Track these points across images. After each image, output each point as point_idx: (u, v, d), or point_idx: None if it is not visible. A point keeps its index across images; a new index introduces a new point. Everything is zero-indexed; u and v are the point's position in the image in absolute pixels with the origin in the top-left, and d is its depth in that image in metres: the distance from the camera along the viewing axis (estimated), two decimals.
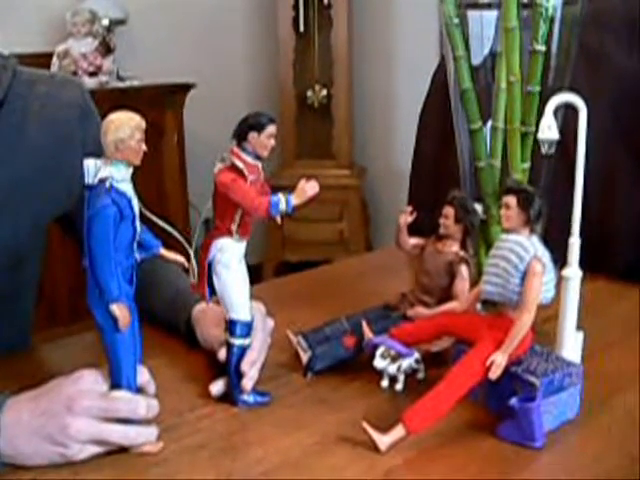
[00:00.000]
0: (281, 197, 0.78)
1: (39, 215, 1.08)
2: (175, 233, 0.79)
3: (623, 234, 1.34)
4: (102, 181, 0.73)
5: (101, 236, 0.72)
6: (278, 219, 0.80)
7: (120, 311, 0.75)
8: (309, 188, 0.78)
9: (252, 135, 0.80)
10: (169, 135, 3.01)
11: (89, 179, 0.73)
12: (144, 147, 0.74)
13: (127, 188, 0.74)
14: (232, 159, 0.80)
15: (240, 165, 0.80)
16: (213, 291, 0.85)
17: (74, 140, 1.09)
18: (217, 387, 0.88)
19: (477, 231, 0.98)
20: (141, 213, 0.76)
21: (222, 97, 3.47)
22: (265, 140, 0.80)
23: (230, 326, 0.86)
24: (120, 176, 0.73)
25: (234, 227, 0.83)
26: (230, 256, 0.84)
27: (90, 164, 0.73)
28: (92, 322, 0.78)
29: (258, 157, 0.81)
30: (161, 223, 0.78)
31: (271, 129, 0.80)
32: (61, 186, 1.08)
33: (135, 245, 0.77)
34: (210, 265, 0.84)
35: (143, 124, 0.74)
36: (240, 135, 0.80)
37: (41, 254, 1.17)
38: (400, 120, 3.55)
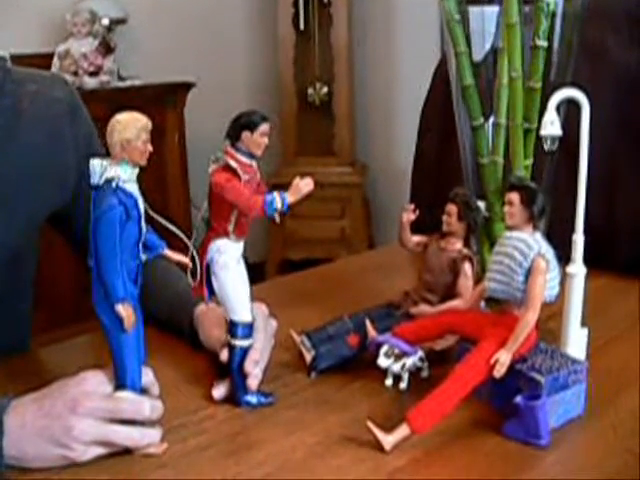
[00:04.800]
0: (276, 195, 0.77)
1: (33, 213, 1.07)
2: (181, 234, 0.79)
3: (626, 228, 1.33)
4: (108, 181, 0.73)
5: (108, 236, 0.73)
6: (276, 218, 0.80)
7: (125, 311, 0.75)
8: (304, 185, 0.77)
9: (245, 134, 0.79)
10: (170, 134, 3.00)
11: (95, 179, 0.73)
12: (150, 148, 0.74)
13: (133, 188, 0.75)
14: (226, 159, 0.80)
15: (234, 165, 0.79)
16: (212, 292, 0.85)
17: (64, 137, 1.09)
18: (219, 391, 0.88)
19: (480, 228, 0.98)
20: (145, 212, 0.76)
21: (223, 95, 3.47)
22: (259, 139, 0.79)
23: (231, 327, 0.86)
24: (126, 176, 0.74)
25: (230, 227, 0.82)
26: (228, 257, 0.83)
27: (96, 164, 0.73)
28: (94, 323, 0.78)
29: (252, 156, 0.80)
30: (167, 224, 0.78)
31: (264, 127, 0.79)
32: (54, 183, 1.08)
33: (141, 245, 0.76)
34: (209, 266, 0.84)
35: (149, 125, 0.74)
36: (233, 134, 0.79)
37: (36, 252, 1.17)
38: (402, 117, 3.54)
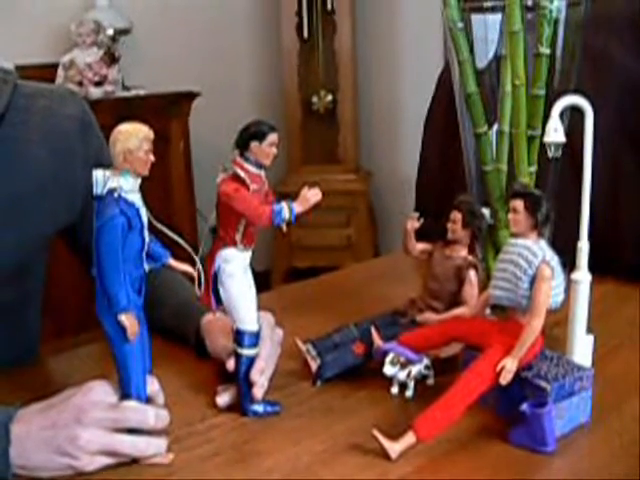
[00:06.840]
0: (284, 205, 0.77)
1: (42, 228, 1.07)
2: (183, 243, 0.79)
3: (631, 234, 1.33)
4: (111, 191, 0.73)
5: (110, 246, 0.73)
6: (283, 227, 0.80)
7: (128, 321, 0.75)
8: (312, 196, 0.78)
9: (254, 144, 0.79)
10: (175, 143, 3.01)
11: (98, 189, 0.74)
12: (152, 158, 0.74)
13: (136, 198, 0.75)
14: (234, 169, 0.80)
15: (242, 174, 0.80)
16: (219, 301, 0.85)
17: (75, 154, 1.08)
18: (223, 399, 0.88)
19: (485, 235, 0.98)
20: (149, 222, 0.77)
21: (227, 104, 3.48)
22: (267, 149, 0.80)
23: (237, 336, 0.86)
24: (129, 186, 0.74)
25: (238, 237, 0.82)
26: (235, 266, 0.83)
27: (99, 174, 0.74)
28: (100, 332, 0.78)
29: (261, 166, 0.81)
30: (170, 233, 0.78)
31: (273, 137, 0.80)
32: (63, 200, 1.08)
33: (144, 255, 0.77)
34: (216, 275, 0.84)
35: (151, 135, 0.74)
36: (242, 144, 0.80)
37: (45, 265, 1.17)
38: (406, 124, 3.55)
